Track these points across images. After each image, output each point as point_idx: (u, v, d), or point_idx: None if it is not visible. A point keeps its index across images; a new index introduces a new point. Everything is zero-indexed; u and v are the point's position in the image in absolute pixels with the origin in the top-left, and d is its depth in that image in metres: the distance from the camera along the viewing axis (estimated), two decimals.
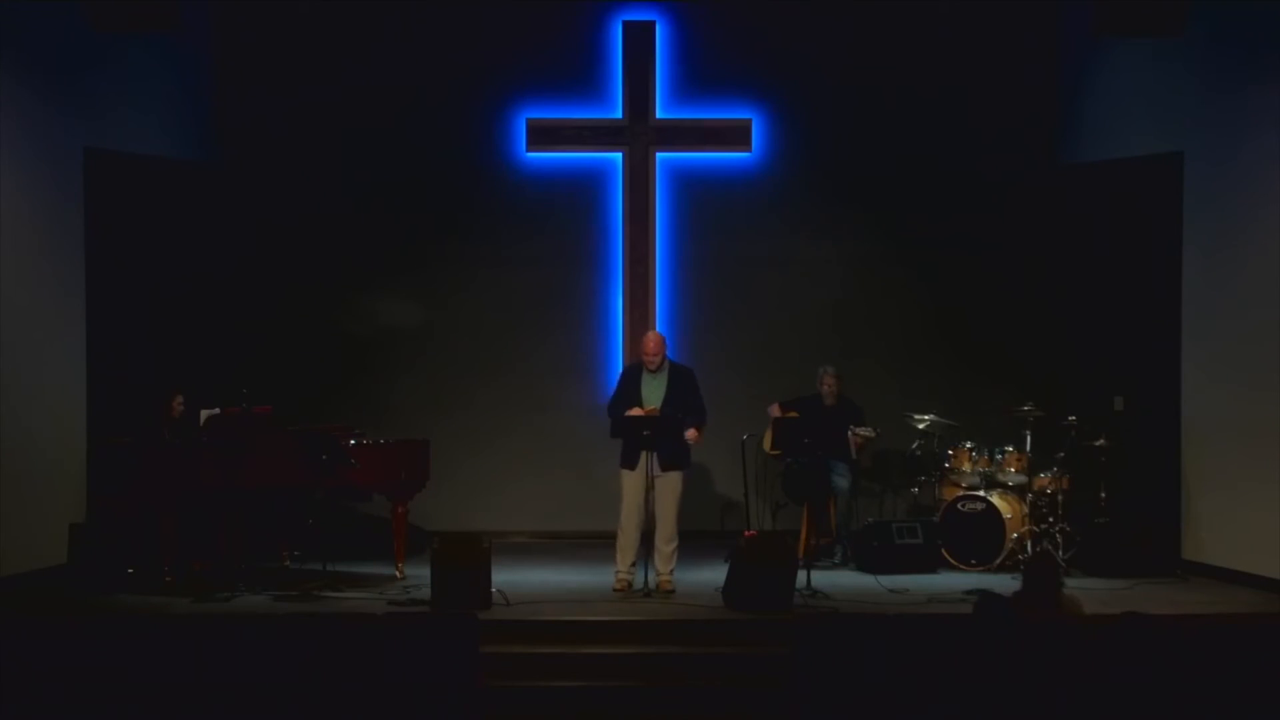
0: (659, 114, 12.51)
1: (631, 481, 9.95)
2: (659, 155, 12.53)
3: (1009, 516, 10.85)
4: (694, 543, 10.73)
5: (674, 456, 9.93)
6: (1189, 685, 6.40)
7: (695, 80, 12.54)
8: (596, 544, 10.98)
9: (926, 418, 11.39)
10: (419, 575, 10.05)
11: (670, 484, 9.91)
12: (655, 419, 9.87)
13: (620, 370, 11.15)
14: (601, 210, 12.63)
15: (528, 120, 12.47)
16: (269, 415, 10.50)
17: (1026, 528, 10.95)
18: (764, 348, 12.48)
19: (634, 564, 9.90)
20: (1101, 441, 11.02)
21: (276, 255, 12.36)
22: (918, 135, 12.41)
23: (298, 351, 12.31)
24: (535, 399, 12.48)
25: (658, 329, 12.18)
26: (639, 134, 12.49)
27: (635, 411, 9.99)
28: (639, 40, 12.47)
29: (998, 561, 10.83)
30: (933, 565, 10.81)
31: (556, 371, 12.49)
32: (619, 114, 12.53)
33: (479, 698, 7.02)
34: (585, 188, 12.62)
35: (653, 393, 10.07)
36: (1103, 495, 11.04)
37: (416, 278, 12.58)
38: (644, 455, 9.84)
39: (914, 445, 11.59)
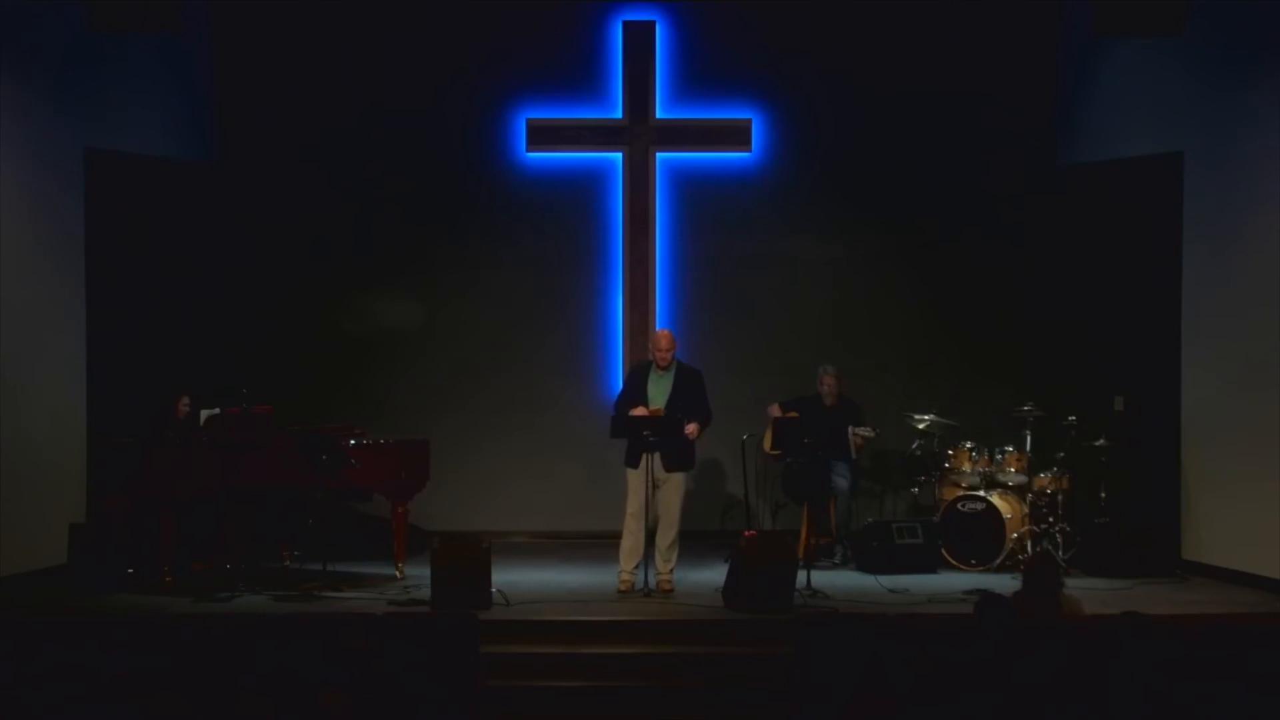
0: (659, 114, 12.51)
1: (636, 480, 9.93)
2: (659, 155, 12.53)
3: (1009, 516, 10.85)
4: (694, 543, 10.72)
5: (678, 459, 9.91)
6: (1189, 685, 6.40)
7: (695, 80, 12.54)
8: (597, 544, 10.97)
9: (926, 418, 11.38)
10: (419, 575, 10.04)
11: (674, 485, 9.91)
12: (656, 419, 9.85)
13: (624, 369, 11.10)
14: (601, 210, 12.62)
15: (528, 120, 12.47)
16: (269, 415, 10.50)
17: (1026, 528, 10.95)
18: (764, 348, 12.47)
19: (637, 565, 9.89)
20: (1101, 441, 11.02)
21: (276, 255, 12.37)
22: (918, 135, 12.41)
23: (298, 351, 12.31)
24: (535, 399, 12.48)
25: (657, 328, 12.19)
26: (639, 134, 12.49)
27: (640, 411, 9.97)
28: (639, 40, 12.47)
29: (998, 561, 10.82)
30: (933, 565, 10.80)
31: (556, 372, 12.48)
32: (619, 114, 12.52)
33: (479, 698, 7.02)
34: (585, 188, 12.62)
35: (659, 393, 10.04)
36: (1103, 495, 11.04)
37: (416, 278, 12.58)
38: (645, 456, 9.83)
39: (914, 445, 11.59)
